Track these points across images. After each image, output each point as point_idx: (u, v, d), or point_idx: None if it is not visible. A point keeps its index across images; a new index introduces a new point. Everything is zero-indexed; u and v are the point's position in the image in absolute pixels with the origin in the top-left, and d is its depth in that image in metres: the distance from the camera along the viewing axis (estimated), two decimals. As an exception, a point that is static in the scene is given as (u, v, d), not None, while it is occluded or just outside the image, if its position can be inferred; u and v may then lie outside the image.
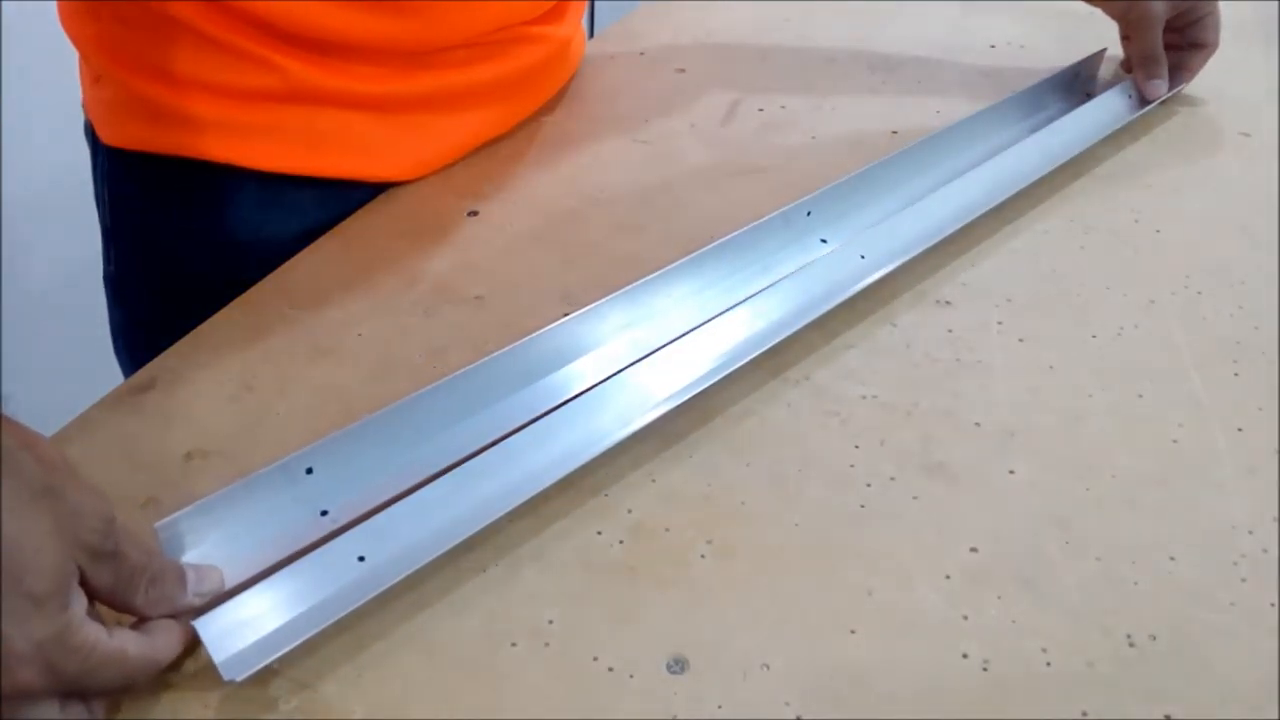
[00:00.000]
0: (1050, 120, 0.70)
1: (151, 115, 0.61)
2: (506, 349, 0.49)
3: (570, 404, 0.48)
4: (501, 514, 0.43)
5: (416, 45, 0.61)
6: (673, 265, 0.54)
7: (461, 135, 0.68)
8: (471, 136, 0.69)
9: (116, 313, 0.72)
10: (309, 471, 0.43)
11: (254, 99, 0.60)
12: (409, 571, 0.41)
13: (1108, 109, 0.72)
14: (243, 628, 0.39)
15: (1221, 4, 0.90)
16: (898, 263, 0.57)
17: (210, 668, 0.39)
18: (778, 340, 0.52)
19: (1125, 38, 0.75)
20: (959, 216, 0.61)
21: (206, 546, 0.41)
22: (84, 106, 0.67)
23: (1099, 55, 0.77)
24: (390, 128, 0.64)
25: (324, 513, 0.43)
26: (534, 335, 0.49)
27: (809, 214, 0.60)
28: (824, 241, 0.60)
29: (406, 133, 0.65)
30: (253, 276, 0.59)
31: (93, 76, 0.64)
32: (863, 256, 0.58)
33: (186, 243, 0.65)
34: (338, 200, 0.64)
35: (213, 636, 0.39)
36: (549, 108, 0.75)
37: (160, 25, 0.58)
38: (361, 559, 0.42)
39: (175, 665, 0.39)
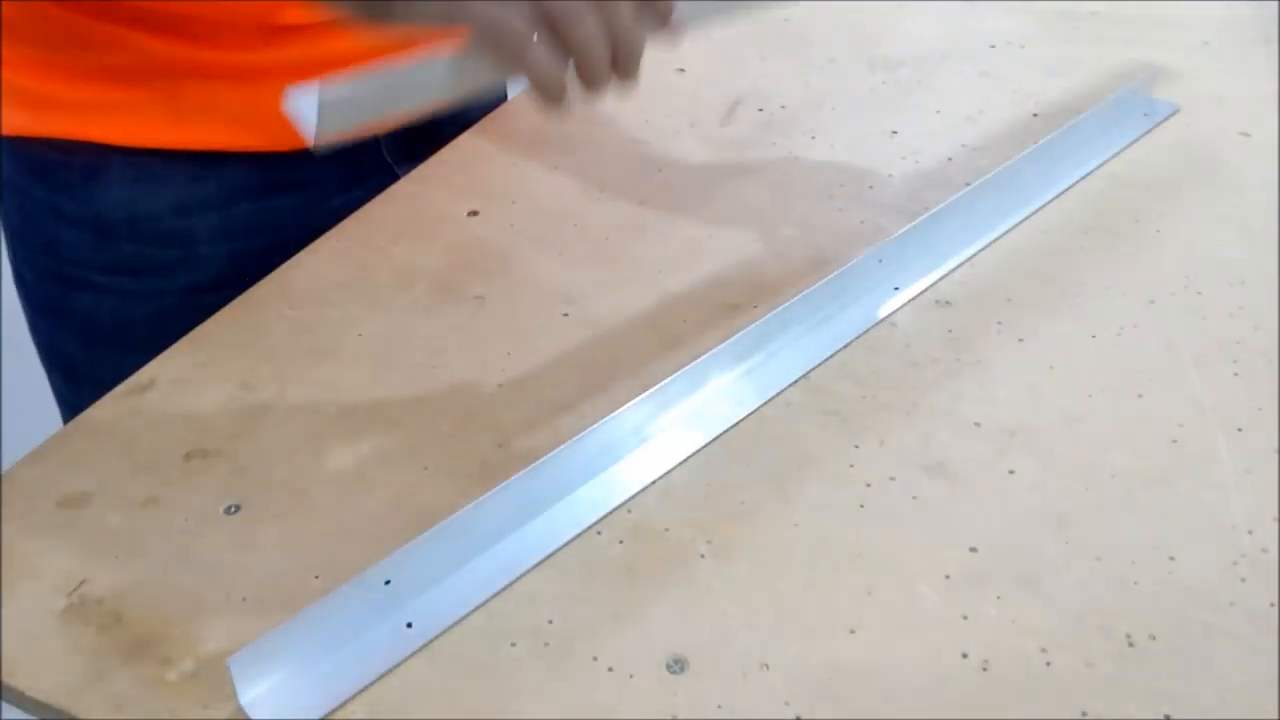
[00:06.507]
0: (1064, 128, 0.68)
1: (18, 99, 0.60)
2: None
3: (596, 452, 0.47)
4: (527, 568, 0.44)
5: (255, 15, 0.60)
6: (734, 339, 0.52)
7: None
8: None
9: (26, 310, 0.71)
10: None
11: (113, 77, 0.59)
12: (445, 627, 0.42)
13: (1119, 124, 0.72)
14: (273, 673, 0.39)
15: (1221, 4, 0.90)
16: (924, 281, 0.58)
17: (209, 667, 0.39)
18: (810, 369, 0.53)
19: None
20: (968, 225, 0.62)
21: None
22: None
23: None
24: (257, 97, 0.62)
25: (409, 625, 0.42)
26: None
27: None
28: (897, 289, 0.58)
29: (275, 102, 0.63)
30: (128, 256, 0.58)
31: None
32: (896, 288, 0.58)
33: (63, 226, 0.64)
34: (213, 175, 0.63)
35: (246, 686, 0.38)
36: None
37: (10, 9, 0.57)
38: (410, 625, 0.41)
39: (174, 664, 0.40)
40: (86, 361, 0.56)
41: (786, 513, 0.46)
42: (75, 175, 0.62)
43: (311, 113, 0.41)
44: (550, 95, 0.43)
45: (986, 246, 0.61)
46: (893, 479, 0.48)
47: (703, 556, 0.44)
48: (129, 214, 0.63)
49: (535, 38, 0.42)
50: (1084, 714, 0.39)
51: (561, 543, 0.44)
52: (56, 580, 0.43)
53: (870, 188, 0.67)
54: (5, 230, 0.69)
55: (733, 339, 0.52)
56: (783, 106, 0.75)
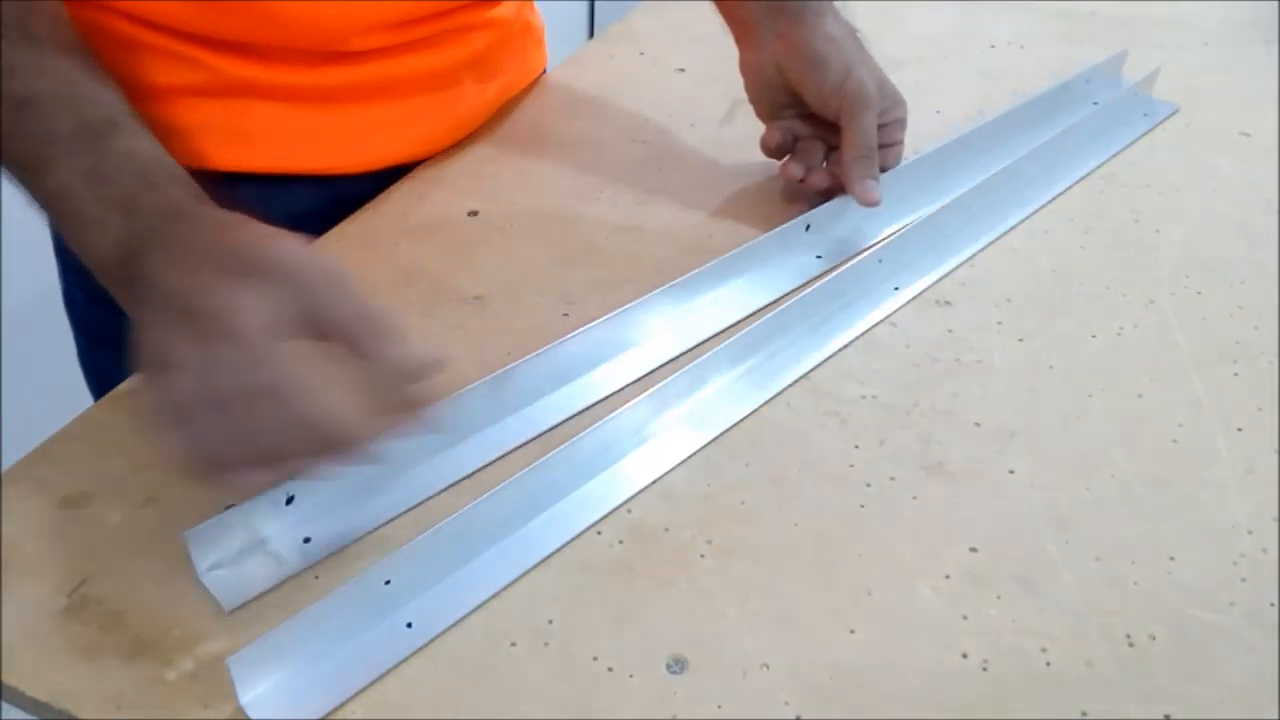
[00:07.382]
0: (1064, 129, 0.68)
1: None
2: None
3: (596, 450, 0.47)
4: (527, 568, 0.44)
5: (324, 41, 0.60)
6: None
7: (405, 126, 0.66)
8: (417, 128, 0.67)
9: (75, 333, 0.71)
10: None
11: (183, 96, 0.59)
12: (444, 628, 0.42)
13: (1119, 124, 0.72)
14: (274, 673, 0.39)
15: (1221, 4, 0.90)
16: (924, 281, 0.58)
17: (209, 667, 0.39)
18: (811, 369, 0.53)
19: (834, 127, 0.63)
20: (967, 225, 0.62)
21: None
22: None
23: (1119, 58, 0.76)
24: (324, 119, 0.63)
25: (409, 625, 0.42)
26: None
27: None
28: (896, 289, 0.59)
29: (343, 123, 0.64)
30: None
31: None
32: (896, 288, 0.58)
33: None
34: (279, 199, 0.62)
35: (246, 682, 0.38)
36: (549, 107, 0.75)
37: (86, 30, 0.57)
38: (410, 625, 0.41)
39: (174, 664, 0.40)
40: None
41: (786, 513, 0.46)
42: None
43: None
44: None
45: (986, 246, 0.61)
46: (893, 479, 0.48)
47: (703, 556, 0.44)
48: None
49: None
50: (1084, 714, 0.39)
51: (561, 543, 0.44)
52: (56, 580, 0.43)
53: (870, 188, 0.67)
54: (56, 251, 0.69)
55: (733, 339, 0.52)
56: (783, 106, 0.75)
